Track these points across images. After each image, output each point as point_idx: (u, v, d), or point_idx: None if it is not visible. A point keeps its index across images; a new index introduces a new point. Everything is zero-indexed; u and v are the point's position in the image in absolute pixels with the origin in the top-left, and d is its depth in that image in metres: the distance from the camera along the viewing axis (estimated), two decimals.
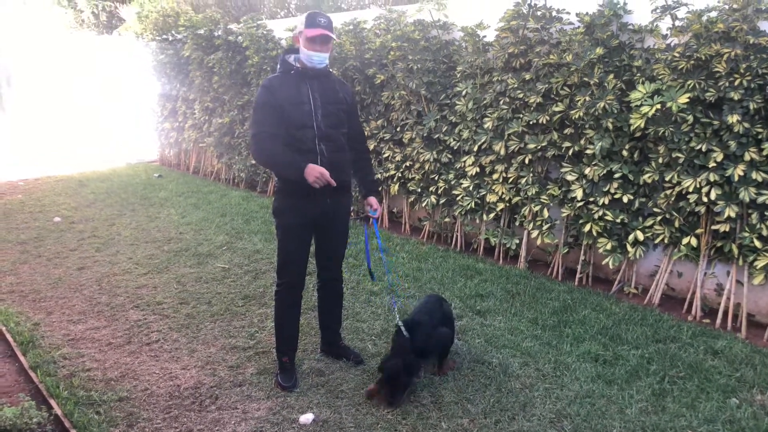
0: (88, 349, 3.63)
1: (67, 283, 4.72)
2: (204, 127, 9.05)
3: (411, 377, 3.03)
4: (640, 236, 4.24)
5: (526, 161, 4.84)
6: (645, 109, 3.85)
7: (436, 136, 5.55)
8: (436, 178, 5.67)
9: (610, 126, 4.18)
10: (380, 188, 6.35)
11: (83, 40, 14.16)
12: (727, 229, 3.84)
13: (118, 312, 4.17)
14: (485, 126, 5.03)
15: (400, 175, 6.04)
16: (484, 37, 5.15)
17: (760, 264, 3.70)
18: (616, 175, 4.28)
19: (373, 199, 3.30)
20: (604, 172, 4.32)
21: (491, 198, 5.13)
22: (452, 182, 5.49)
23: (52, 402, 2.95)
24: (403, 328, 3.13)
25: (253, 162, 8.07)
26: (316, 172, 2.86)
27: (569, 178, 4.54)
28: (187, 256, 5.36)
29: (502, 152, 4.93)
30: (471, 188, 5.28)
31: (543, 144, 4.68)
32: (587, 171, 4.41)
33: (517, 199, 4.99)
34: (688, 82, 3.80)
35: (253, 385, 3.22)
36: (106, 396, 3.08)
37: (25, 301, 4.37)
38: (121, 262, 5.20)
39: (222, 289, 4.58)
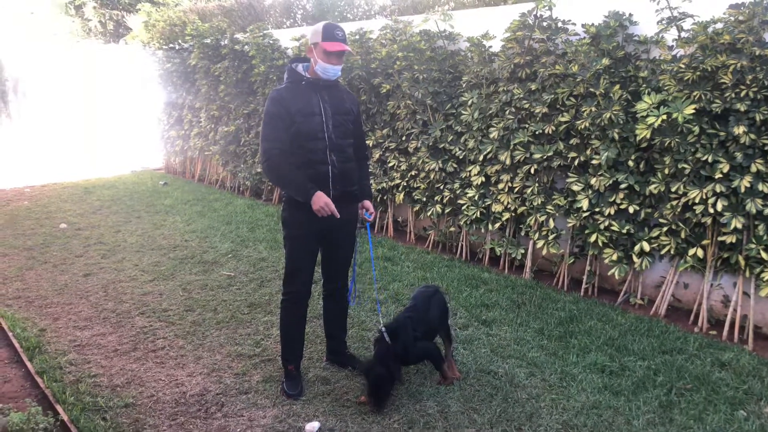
0: (94, 355, 3.64)
1: (73, 290, 4.73)
2: (210, 135, 9.10)
3: (393, 382, 3.05)
4: (646, 247, 4.23)
5: (532, 171, 4.85)
6: (651, 119, 3.86)
7: (442, 145, 5.56)
8: (442, 187, 5.68)
9: (616, 136, 4.19)
10: (385, 197, 6.37)
11: (90, 49, 14.29)
12: (734, 241, 3.83)
13: (124, 318, 4.18)
14: (491, 136, 5.05)
15: (405, 184, 6.06)
16: (490, 47, 5.18)
17: (766, 276, 3.69)
18: (622, 186, 4.28)
19: (368, 203, 3.34)
20: (610, 182, 4.33)
21: (497, 208, 5.13)
22: (457, 192, 5.50)
23: (59, 408, 2.95)
24: (386, 335, 3.10)
25: (259, 170, 8.10)
26: (321, 202, 2.90)
27: (575, 188, 4.54)
28: (193, 263, 5.37)
29: (508, 162, 4.95)
30: (476, 198, 5.29)
31: (549, 154, 4.69)
32: (593, 181, 4.41)
33: (522, 209, 4.99)
34: (694, 93, 3.81)
35: (258, 392, 3.21)
36: (112, 402, 3.08)
37: (31, 307, 4.38)
38: (126, 269, 5.21)
39: (227, 296, 4.58)
